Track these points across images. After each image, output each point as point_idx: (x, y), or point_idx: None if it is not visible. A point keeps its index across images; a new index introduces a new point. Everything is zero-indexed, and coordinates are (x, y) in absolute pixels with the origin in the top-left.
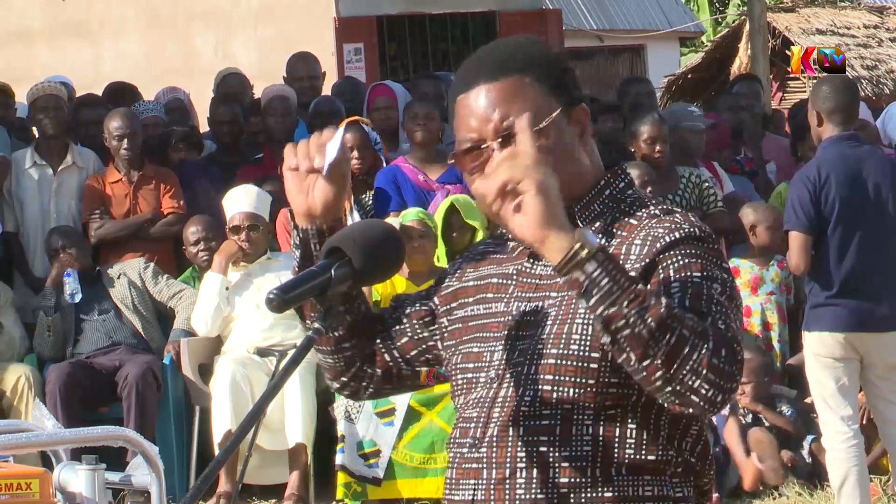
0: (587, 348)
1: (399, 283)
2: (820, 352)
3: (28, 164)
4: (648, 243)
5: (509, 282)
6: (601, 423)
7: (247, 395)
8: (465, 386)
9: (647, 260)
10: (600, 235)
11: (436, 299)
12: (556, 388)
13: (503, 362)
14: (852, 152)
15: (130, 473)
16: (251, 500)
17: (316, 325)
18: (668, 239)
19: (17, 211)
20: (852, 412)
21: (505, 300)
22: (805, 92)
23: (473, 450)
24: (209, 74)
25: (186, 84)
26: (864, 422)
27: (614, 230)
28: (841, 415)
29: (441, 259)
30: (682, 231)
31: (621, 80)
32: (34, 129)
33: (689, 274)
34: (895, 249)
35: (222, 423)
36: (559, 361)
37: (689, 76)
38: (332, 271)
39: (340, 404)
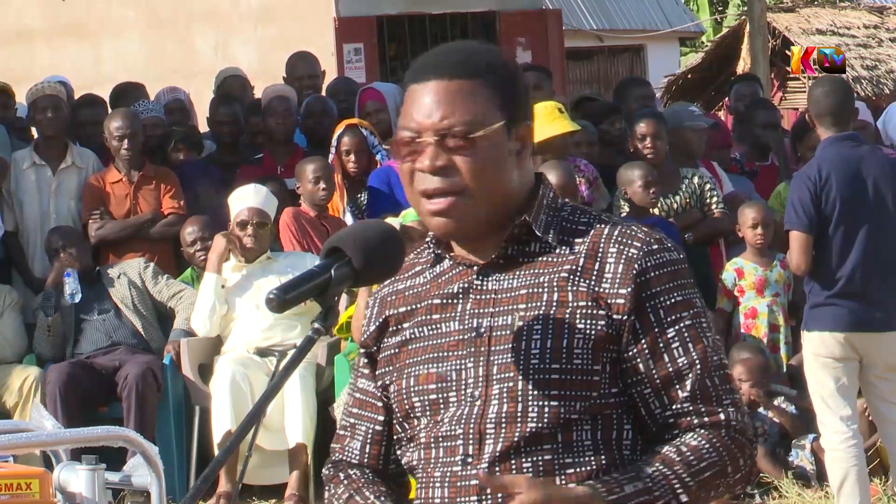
0: (590, 362)
1: None
2: (820, 352)
3: (27, 164)
4: (624, 263)
5: (456, 301)
6: (599, 428)
7: (247, 395)
8: (429, 407)
9: (632, 286)
10: (555, 243)
11: (370, 370)
12: (563, 402)
13: (483, 379)
14: (852, 152)
15: (129, 473)
16: (251, 500)
17: (316, 324)
18: (644, 263)
19: (17, 211)
20: (851, 412)
21: (458, 318)
22: (805, 92)
23: (469, 467)
24: (209, 74)
25: (186, 84)
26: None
27: (567, 238)
28: (840, 415)
29: None
30: (655, 256)
31: (619, 81)
32: (33, 129)
33: (679, 316)
34: (895, 249)
35: (222, 423)
36: (564, 377)
37: (689, 76)
38: (332, 271)
39: (340, 404)
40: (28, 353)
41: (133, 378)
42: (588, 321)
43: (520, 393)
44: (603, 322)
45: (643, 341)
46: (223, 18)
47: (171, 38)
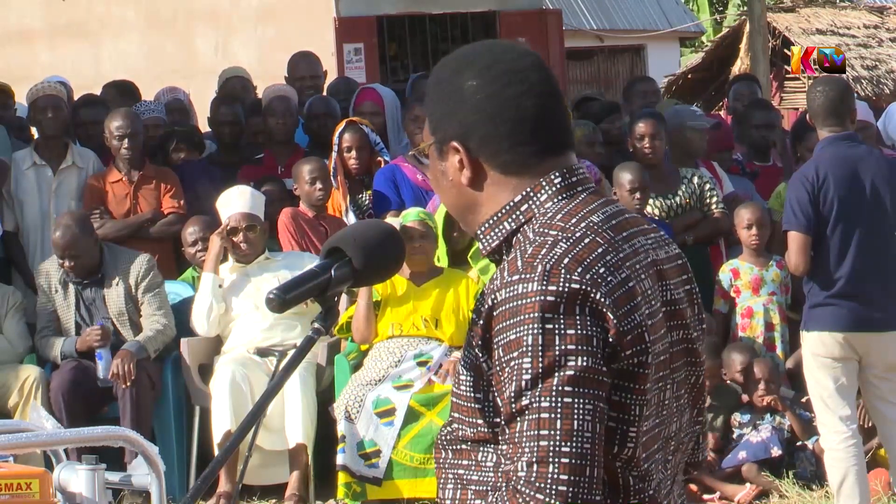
0: (471, 389)
1: (399, 283)
2: (819, 352)
3: (27, 164)
4: (487, 293)
5: None
6: (501, 453)
7: (247, 395)
8: None
9: (483, 321)
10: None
11: None
12: (461, 425)
13: None
14: (850, 152)
15: (131, 474)
16: (251, 500)
17: (316, 324)
18: (496, 297)
19: (17, 211)
20: (851, 412)
21: None
22: (805, 92)
23: None
24: (209, 74)
25: (186, 84)
26: (868, 424)
27: (514, 250)
28: (840, 415)
29: (441, 259)
30: (506, 290)
31: (626, 80)
32: (34, 129)
33: (511, 356)
34: (894, 249)
35: (222, 423)
36: (457, 400)
37: (689, 76)
38: (332, 271)
39: (340, 404)
40: (29, 354)
41: None
42: (469, 349)
43: (450, 405)
44: (474, 353)
45: (493, 379)
46: (223, 18)
47: (171, 38)
